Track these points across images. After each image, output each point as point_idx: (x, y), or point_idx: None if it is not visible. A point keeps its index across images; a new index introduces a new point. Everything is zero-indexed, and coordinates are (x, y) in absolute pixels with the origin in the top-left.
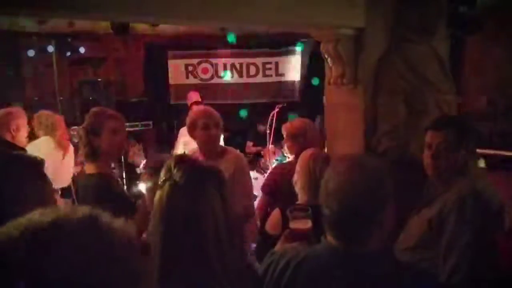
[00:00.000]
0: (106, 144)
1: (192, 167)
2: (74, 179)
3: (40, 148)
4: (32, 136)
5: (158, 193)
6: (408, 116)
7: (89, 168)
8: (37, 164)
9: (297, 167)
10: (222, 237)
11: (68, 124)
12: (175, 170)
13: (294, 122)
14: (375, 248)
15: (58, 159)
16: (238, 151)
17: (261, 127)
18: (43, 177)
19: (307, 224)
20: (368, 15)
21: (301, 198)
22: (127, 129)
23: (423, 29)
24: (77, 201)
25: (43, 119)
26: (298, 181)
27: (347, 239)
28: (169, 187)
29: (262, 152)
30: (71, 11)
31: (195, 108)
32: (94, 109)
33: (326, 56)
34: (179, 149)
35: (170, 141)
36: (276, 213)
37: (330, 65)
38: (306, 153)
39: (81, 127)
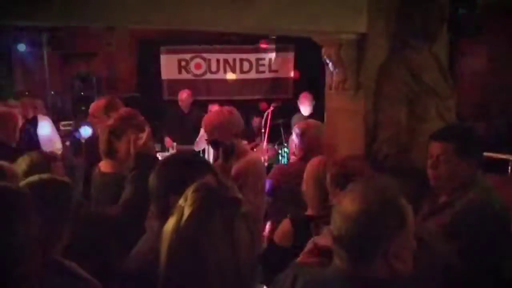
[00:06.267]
0: (124, 149)
1: (205, 196)
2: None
3: None
4: None
5: (169, 220)
6: (408, 123)
7: (107, 167)
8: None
9: (306, 176)
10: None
11: (60, 119)
12: (188, 199)
13: (310, 122)
14: (381, 274)
15: None
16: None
17: (255, 121)
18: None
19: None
20: (371, 20)
21: (311, 209)
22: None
23: (426, 35)
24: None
25: None
26: (307, 191)
27: (353, 262)
28: (178, 216)
29: (254, 150)
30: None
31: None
32: (123, 111)
33: (328, 61)
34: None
35: (162, 137)
36: (286, 224)
37: (332, 70)
38: (314, 161)
39: (105, 132)
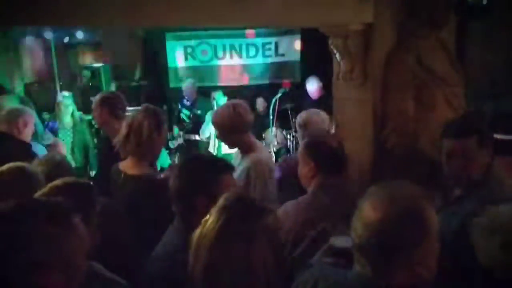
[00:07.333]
0: (163, 142)
1: (234, 207)
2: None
3: None
4: None
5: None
6: (416, 111)
7: (134, 168)
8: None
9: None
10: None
11: None
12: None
13: (312, 111)
14: (404, 282)
15: None
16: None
17: (260, 105)
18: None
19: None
20: (377, 10)
21: None
22: (128, 113)
23: (432, 23)
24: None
25: None
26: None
27: (375, 270)
28: (203, 223)
29: (263, 136)
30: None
31: None
32: (150, 106)
33: (335, 51)
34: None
35: (170, 125)
36: None
37: (339, 60)
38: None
39: (145, 123)
